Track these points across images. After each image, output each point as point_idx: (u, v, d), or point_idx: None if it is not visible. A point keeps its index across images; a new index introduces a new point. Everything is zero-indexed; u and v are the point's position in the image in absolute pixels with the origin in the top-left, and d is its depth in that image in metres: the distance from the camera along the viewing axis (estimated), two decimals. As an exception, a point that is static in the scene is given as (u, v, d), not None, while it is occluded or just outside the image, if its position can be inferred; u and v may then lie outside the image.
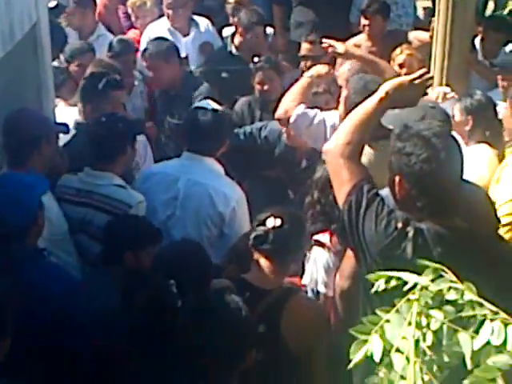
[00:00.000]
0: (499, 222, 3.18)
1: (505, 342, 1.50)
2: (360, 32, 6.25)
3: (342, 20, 6.82)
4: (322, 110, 4.45)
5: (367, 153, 3.59)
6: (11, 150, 3.83)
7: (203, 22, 6.81)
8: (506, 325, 1.51)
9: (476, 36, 5.90)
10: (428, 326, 1.60)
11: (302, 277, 3.70)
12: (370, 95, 2.97)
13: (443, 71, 5.20)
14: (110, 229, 3.55)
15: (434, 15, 5.45)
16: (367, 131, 2.87)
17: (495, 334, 1.51)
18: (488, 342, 1.51)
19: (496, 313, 1.54)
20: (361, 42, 6.12)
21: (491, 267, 2.41)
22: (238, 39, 6.37)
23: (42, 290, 3.06)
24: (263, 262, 3.19)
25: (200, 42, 6.72)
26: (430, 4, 7.55)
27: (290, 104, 4.43)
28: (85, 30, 6.75)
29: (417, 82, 3.02)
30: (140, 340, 2.94)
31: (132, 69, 5.98)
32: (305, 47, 5.74)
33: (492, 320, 1.53)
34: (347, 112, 3.16)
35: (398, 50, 5.48)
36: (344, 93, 4.11)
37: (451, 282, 1.62)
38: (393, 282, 1.68)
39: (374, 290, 1.71)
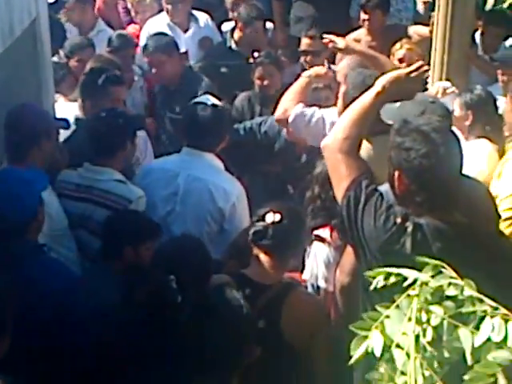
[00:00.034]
0: (500, 217, 3.17)
1: (505, 338, 1.50)
2: (360, 27, 6.24)
3: (342, 15, 6.81)
4: (321, 106, 4.45)
5: (366, 148, 3.59)
6: (11, 145, 3.83)
7: (203, 17, 6.80)
8: (506, 321, 1.51)
9: (476, 30, 5.90)
10: (428, 321, 1.61)
11: (302, 272, 3.71)
12: (368, 90, 2.97)
13: (443, 66, 5.19)
14: (110, 224, 3.55)
15: (433, 10, 5.44)
16: (365, 126, 2.86)
17: (496, 330, 1.51)
18: (488, 339, 1.51)
19: (496, 308, 1.54)
20: (360, 37, 6.11)
21: (491, 263, 2.41)
22: (237, 34, 6.36)
23: (42, 285, 3.06)
24: (263, 257, 3.19)
25: (199, 37, 6.71)
26: (429, -2, 7.54)
27: (289, 104, 4.45)
28: (85, 26, 6.74)
29: (413, 75, 3.02)
30: (140, 335, 2.94)
31: (131, 64, 5.98)
32: (305, 42, 5.74)
33: (492, 316, 1.53)
34: (346, 107, 3.16)
35: (397, 45, 5.47)
36: (342, 88, 4.11)
37: (451, 277, 1.62)
38: (392, 279, 1.68)
39: (372, 286, 1.71)
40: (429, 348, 1.58)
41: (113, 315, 3.03)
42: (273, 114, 4.92)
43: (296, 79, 4.70)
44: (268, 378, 2.97)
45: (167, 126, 5.68)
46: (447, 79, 5.09)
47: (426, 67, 3.11)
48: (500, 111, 4.56)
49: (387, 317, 1.62)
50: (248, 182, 4.51)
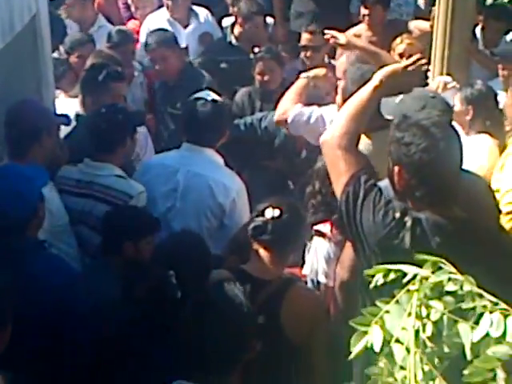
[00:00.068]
0: (500, 212, 3.17)
1: (504, 333, 1.50)
2: (360, 22, 6.23)
3: (342, 10, 6.80)
4: (320, 104, 4.46)
5: (365, 144, 3.59)
6: (12, 141, 3.83)
7: (203, 13, 6.79)
8: (505, 316, 1.51)
9: (477, 25, 5.89)
10: (428, 316, 1.60)
11: (302, 267, 3.71)
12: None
13: (444, 60, 5.18)
14: (109, 220, 3.55)
15: (434, 4, 5.43)
16: (363, 120, 2.86)
17: (494, 325, 1.51)
18: (488, 334, 1.51)
19: (496, 304, 1.54)
20: (361, 32, 6.09)
21: (490, 258, 2.41)
22: (237, 29, 6.35)
23: (43, 281, 3.07)
24: (262, 252, 3.19)
25: (200, 32, 6.70)
26: (430, -7, 7.52)
27: (288, 105, 4.48)
28: (85, 22, 6.73)
29: (411, 68, 3.01)
30: (140, 331, 2.95)
31: (131, 59, 5.97)
32: (305, 37, 5.72)
33: (491, 311, 1.53)
34: (345, 102, 3.16)
35: (398, 40, 5.47)
36: (341, 83, 4.11)
37: (451, 273, 1.62)
38: (391, 275, 1.68)
39: (372, 285, 1.71)
40: (428, 343, 1.58)
41: (113, 311, 3.03)
42: (274, 109, 4.93)
43: (297, 77, 4.72)
44: (268, 373, 2.97)
45: (167, 122, 5.68)
46: (448, 74, 5.08)
47: (423, 60, 3.11)
48: (500, 106, 4.56)
49: (387, 312, 1.62)
50: (248, 178, 4.51)
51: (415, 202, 2.55)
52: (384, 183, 2.69)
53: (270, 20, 6.74)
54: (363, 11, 6.14)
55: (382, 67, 3.12)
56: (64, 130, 4.36)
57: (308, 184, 3.79)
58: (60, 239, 3.71)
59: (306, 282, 3.66)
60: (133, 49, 6.06)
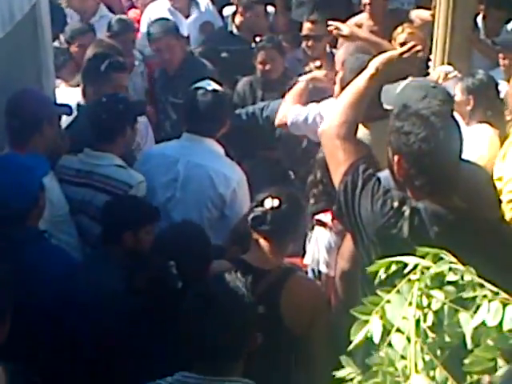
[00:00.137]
0: (501, 202, 3.17)
1: (501, 322, 1.50)
2: (361, 11, 6.21)
3: (344, -1, 6.79)
4: (319, 101, 4.47)
5: (363, 134, 3.59)
6: (13, 130, 3.83)
7: (203, 2, 6.78)
8: (504, 305, 1.51)
9: (478, 14, 5.87)
10: (429, 306, 1.60)
11: (303, 257, 3.71)
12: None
13: (445, 50, 5.16)
14: (108, 209, 3.54)
15: (435, -6, 5.41)
16: (361, 109, 2.85)
17: (491, 314, 1.50)
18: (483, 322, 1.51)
19: (497, 293, 1.54)
20: (362, 21, 6.07)
21: (490, 248, 2.40)
22: (238, 19, 6.34)
23: (43, 271, 3.07)
24: (262, 242, 3.19)
25: (201, 21, 6.69)
26: (431, -18, 7.49)
27: (287, 109, 4.51)
28: (86, 11, 6.71)
29: (406, 55, 3.01)
30: (141, 321, 2.95)
31: (131, 48, 5.96)
32: (306, 27, 5.71)
33: (491, 301, 1.53)
34: (343, 92, 3.16)
35: (399, 29, 5.44)
36: (340, 74, 4.11)
37: (451, 263, 1.62)
38: (393, 267, 1.68)
39: (377, 281, 1.70)
40: (429, 333, 1.58)
41: (114, 301, 3.03)
42: (275, 98, 4.95)
43: (297, 80, 4.76)
44: (267, 363, 2.96)
45: (168, 112, 5.67)
46: (449, 63, 5.07)
47: (418, 47, 3.10)
48: (501, 96, 4.55)
49: (388, 301, 1.62)
50: (249, 168, 4.51)
51: (415, 191, 2.54)
52: (384, 174, 2.69)
53: (270, 9, 6.72)
54: (364, 0, 6.12)
55: (379, 54, 3.11)
56: (65, 120, 4.36)
57: (309, 174, 3.79)
58: (60, 229, 3.71)
59: (307, 272, 3.66)
60: (133, 38, 6.05)
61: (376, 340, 1.58)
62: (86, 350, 3.05)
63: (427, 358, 1.55)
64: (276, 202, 3.18)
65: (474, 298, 1.56)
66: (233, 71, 5.82)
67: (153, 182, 4.06)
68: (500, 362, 1.54)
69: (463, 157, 2.61)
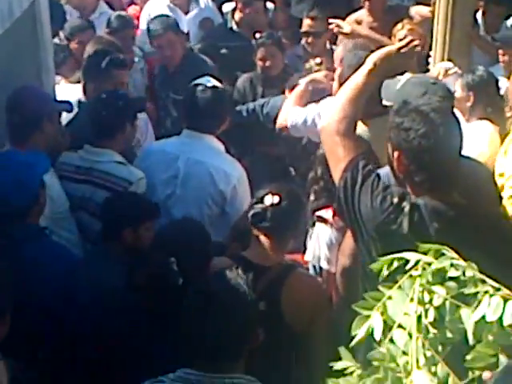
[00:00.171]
0: (501, 199, 3.16)
1: (501, 317, 1.50)
2: (361, 7, 6.21)
3: (343, -5, 6.77)
4: (318, 101, 4.47)
5: (362, 130, 3.59)
6: (14, 127, 3.83)
7: (203, -2, 6.78)
8: (505, 300, 1.51)
9: (477, 10, 5.87)
10: (430, 302, 1.60)
11: (304, 253, 3.71)
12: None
13: (445, 46, 5.16)
14: (108, 206, 3.54)
15: (435, -10, 5.41)
16: (359, 105, 2.84)
17: (491, 309, 1.50)
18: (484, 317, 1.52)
19: (498, 289, 1.54)
20: (362, 18, 6.06)
21: (490, 244, 2.40)
22: (238, 15, 6.33)
23: (44, 268, 3.07)
24: (262, 239, 3.19)
25: (200, 18, 6.69)
26: (431, -21, 7.48)
27: (288, 111, 4.51)
28: (86, 8, 6.70)
29: (403, 50, 3.00)
30: (141, 318, 2.95)
31: (131, 45, 5.95)
32: (306, 23, 5.71)
33: (492, 296, 1.53)
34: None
35: (399, 25, 5.44)
36: (338, 70, 4.11)
37: (453, 259, 1.62)
38: (395, 264, 1.67)
39: (380, 279, 1.70)
40: (431, 328, 1.58)
41: (114, 297, 3.03)
42: (276, 95, 4.95)
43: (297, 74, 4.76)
44: (268, 360, 2.96)
45: (168, 108, 5.66)
46: (449, 60, 5.07)
47: (416, 42, 3.09)
48: (501, 92, 4.55)
49: (389, 297, 1.62)
50: (249, 164, 4.50)
51: (415, 187, 2.54)
52: (384, 170, 2.69)
53: (270, 5, 6.72)
54: (364, -4, 6.12)
55: (377, 49, 3.11)
56: (66, 117, 4.35)
57: (310, 170, 3.79)
58: (61, 226, 3.71)
59: (308, 269, 3.66)
60: (133, 34, 6.04)
61: (377, 336, 1.58)
62: (87, 347, 3.05)
63: (429, 353, 1.55)
64: (276, 199, 3.18)
65: (476, 293, 1.56)
66: (232, 68, 5.81)
67: (153, 178, 4.05)
68: (501, 357, 1.54)
69: (463, 153, 2.61)
